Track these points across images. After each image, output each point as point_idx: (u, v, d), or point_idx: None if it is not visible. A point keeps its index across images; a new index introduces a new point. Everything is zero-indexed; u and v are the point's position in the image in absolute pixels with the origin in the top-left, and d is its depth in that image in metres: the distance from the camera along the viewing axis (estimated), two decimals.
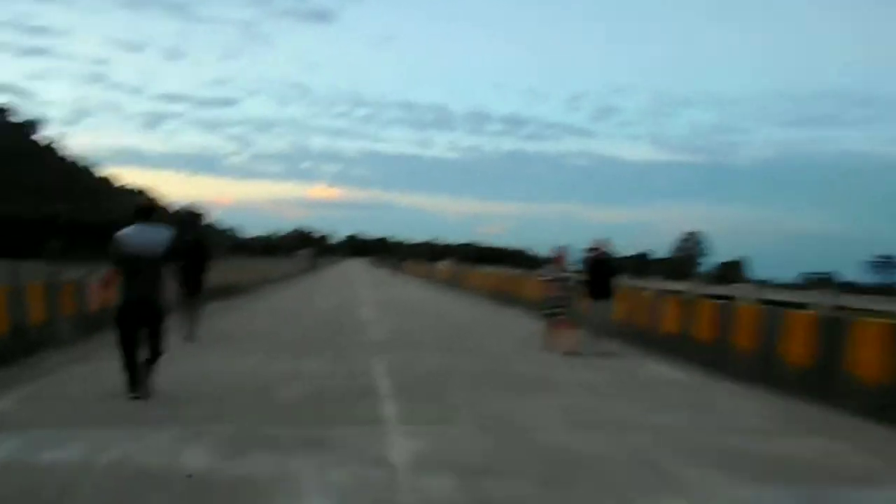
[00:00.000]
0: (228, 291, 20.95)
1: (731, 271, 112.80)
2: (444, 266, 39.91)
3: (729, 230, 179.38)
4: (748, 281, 40.56)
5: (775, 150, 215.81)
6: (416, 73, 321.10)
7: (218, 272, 16.06)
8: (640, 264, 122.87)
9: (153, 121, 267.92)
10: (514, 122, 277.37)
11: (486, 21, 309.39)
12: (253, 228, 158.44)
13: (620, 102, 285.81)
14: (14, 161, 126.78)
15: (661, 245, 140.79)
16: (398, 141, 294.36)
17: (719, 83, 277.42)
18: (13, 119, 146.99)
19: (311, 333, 13.83)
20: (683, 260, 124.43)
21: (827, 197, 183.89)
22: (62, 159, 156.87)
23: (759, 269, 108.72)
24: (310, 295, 22.32)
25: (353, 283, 29.75)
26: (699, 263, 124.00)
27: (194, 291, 11.10)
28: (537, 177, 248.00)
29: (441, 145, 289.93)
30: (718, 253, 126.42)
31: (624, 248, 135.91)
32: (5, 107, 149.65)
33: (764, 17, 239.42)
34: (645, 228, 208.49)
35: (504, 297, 23.94)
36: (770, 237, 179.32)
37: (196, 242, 11.91)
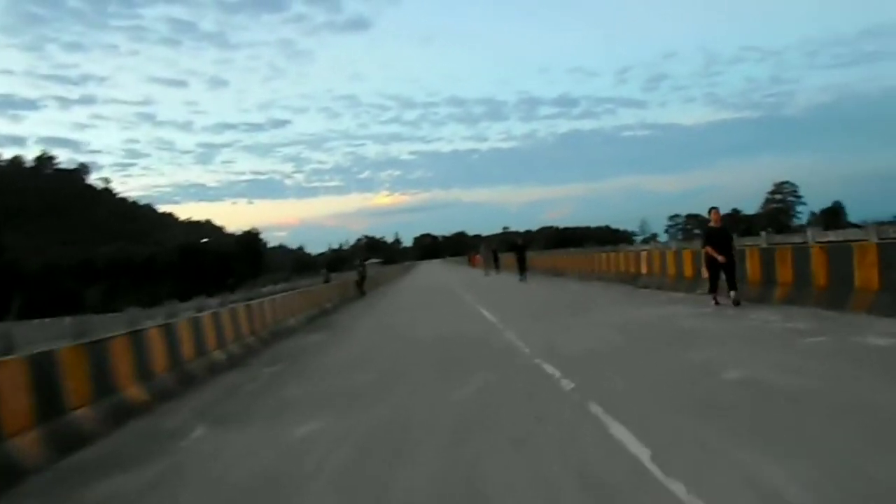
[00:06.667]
0: None
1: (834, 217, 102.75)
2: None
3: (803, 179, 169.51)
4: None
5: (831, 93, 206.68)
6: (462, 69, 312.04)
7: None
8: (733, 221, 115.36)
9: (207, 153, 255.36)
10: (565, 103, 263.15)
11: (524, 6, 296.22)
12: (320, 245, 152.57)
13: (670, 68, 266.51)
14: (68, 207, 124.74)
15: (735, 203, 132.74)
16: (452, 138, 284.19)
17: (767, 36, 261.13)
18: (63, 167, 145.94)
19: None
20: (778, 212, 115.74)
21: (891, 132, 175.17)
22: (122, 200, 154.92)
23: (857, 212, 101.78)
24: None
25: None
26: (795, 214, 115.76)
27: None
28: (596, 154, 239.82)
29: (495, 136, 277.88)
30: (809, 201, 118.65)
31: (703, 210, 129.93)
32: (52, 155, 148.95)
33: None
34: (716, 189, 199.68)
35: None
36: (847, 179, 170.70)
37: None
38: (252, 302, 16.50)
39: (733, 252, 11.85)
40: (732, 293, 11.52)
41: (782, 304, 11.04)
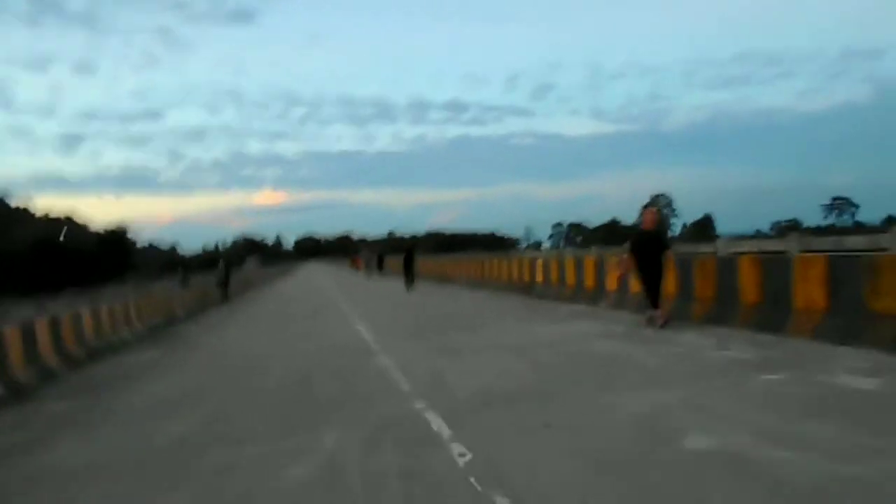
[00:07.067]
0: None
1: (704, 229, 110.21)
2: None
3: (677, 192, 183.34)
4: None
5: (704, 112, 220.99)
6: (351, 67, 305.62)
7: None
8: (612, 232, 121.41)
9: (71, 142, 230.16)
10: (455, 108, 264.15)
11: (415, 7, 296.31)
12: (196, 244, 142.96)
13: (557, 79, 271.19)
14: None
15: (615, 213, 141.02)
16: (340, 138, 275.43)
17: (647, 54, 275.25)
18: None
19: None
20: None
21: (753, 152, 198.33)
22: None
23: (724, 225, 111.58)
24: None
25: None
26: (669, 225, 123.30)
27: None
28: (484, 160, 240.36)
29: (384, 138, 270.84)
30: (682, 213, 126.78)
31: (584, 219, 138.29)
32: None
33: None
34: (596, 199, 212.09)
35: None
36: (716, 194, 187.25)
37: None
38: (71, 311, 13.23)
39: (665, 263, 9.71)
40: (650, 312, 9.76)
41: (703, 323, 9.50)
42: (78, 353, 11.77)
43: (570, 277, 15.55)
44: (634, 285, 12.30)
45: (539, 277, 17.81)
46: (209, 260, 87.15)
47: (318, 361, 9.37)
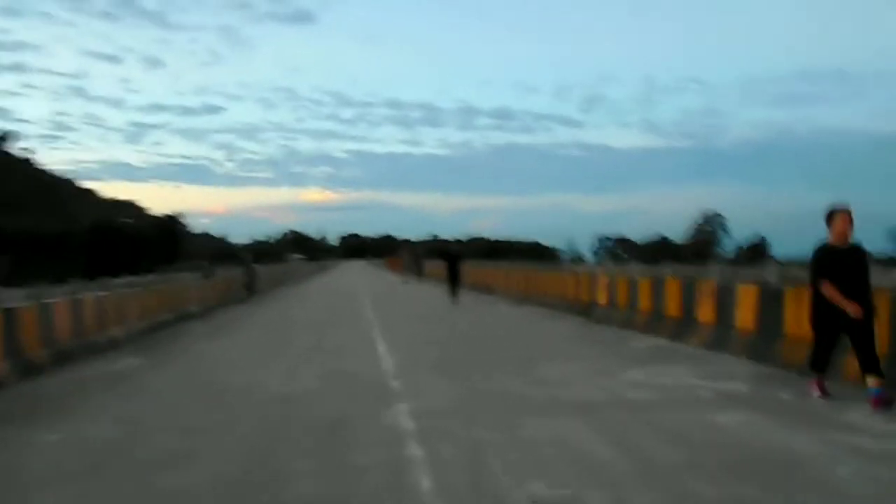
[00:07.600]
0: None
1: (758, 252, 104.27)
2: None
3: (728, 211, 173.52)
4: None
5: (760, 130, 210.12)
6: (402, 71, 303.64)
7: None
8: (662, 249, 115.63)
9: (137, 132, 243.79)
10: (503, 116, 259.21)
11: (468, 15, 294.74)
12: (246, 236, 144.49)
13: (608, 91, 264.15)
14: None
15: (661, 230, 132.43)
16: (388, 140, 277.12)
17: (704, 69, 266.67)
18: None
19: None
20: (703, 243, 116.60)
21: (813, 173, 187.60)
22: (42, 172, 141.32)
23: (776, 249, 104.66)
24: None
25: None
26: (719, 246, 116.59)
27: None
28: (529, 169, 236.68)
29: (431, 142, 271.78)
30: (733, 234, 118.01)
31: (628, 233, 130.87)
32: None
33: (742, 3, 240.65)
34: (640, 214, 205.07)
35: None
36: (769, 216, 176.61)
37: None
38: (36, 302, 10.91)
39: (871, 296, 6.28)
40: (871, 380, 6.02)
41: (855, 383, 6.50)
42: (39, 357, 9.45)
43: (645, 301, 12.62)
44: (745, 319, 9.35)
45: (602, 298, 14.90)
46: (258, 253, 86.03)
47: (311, 402, 6.75)
